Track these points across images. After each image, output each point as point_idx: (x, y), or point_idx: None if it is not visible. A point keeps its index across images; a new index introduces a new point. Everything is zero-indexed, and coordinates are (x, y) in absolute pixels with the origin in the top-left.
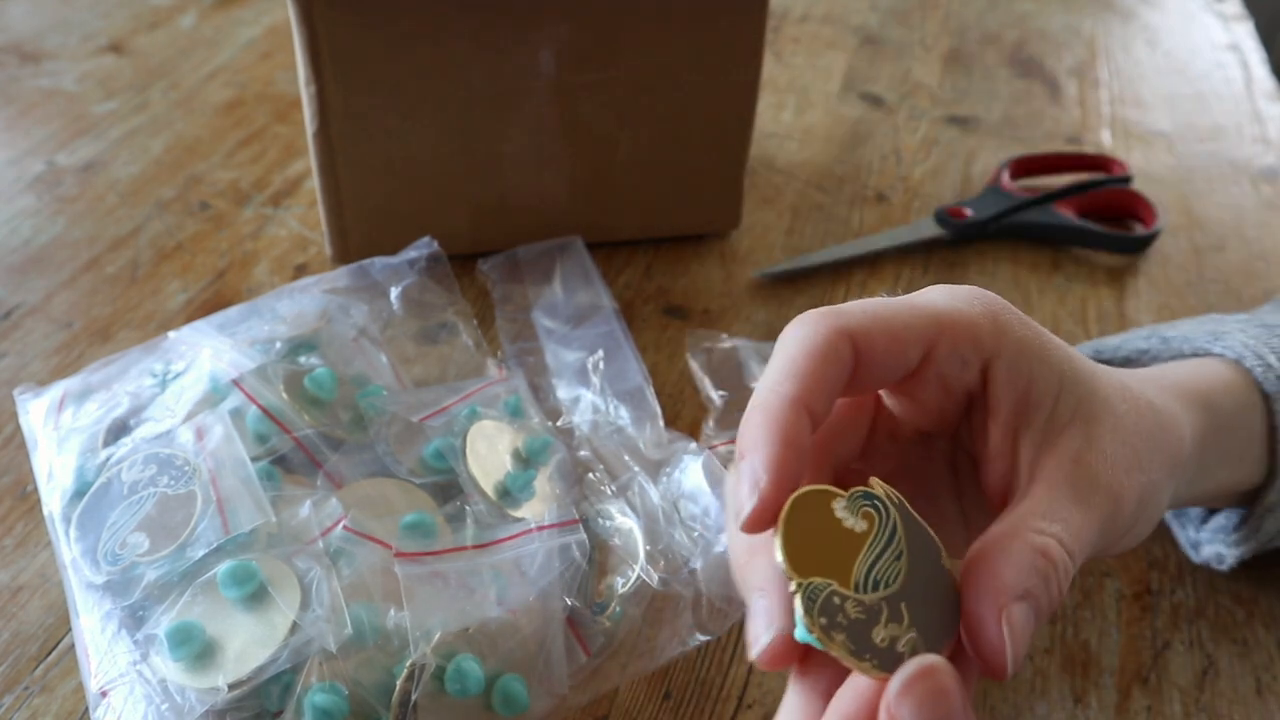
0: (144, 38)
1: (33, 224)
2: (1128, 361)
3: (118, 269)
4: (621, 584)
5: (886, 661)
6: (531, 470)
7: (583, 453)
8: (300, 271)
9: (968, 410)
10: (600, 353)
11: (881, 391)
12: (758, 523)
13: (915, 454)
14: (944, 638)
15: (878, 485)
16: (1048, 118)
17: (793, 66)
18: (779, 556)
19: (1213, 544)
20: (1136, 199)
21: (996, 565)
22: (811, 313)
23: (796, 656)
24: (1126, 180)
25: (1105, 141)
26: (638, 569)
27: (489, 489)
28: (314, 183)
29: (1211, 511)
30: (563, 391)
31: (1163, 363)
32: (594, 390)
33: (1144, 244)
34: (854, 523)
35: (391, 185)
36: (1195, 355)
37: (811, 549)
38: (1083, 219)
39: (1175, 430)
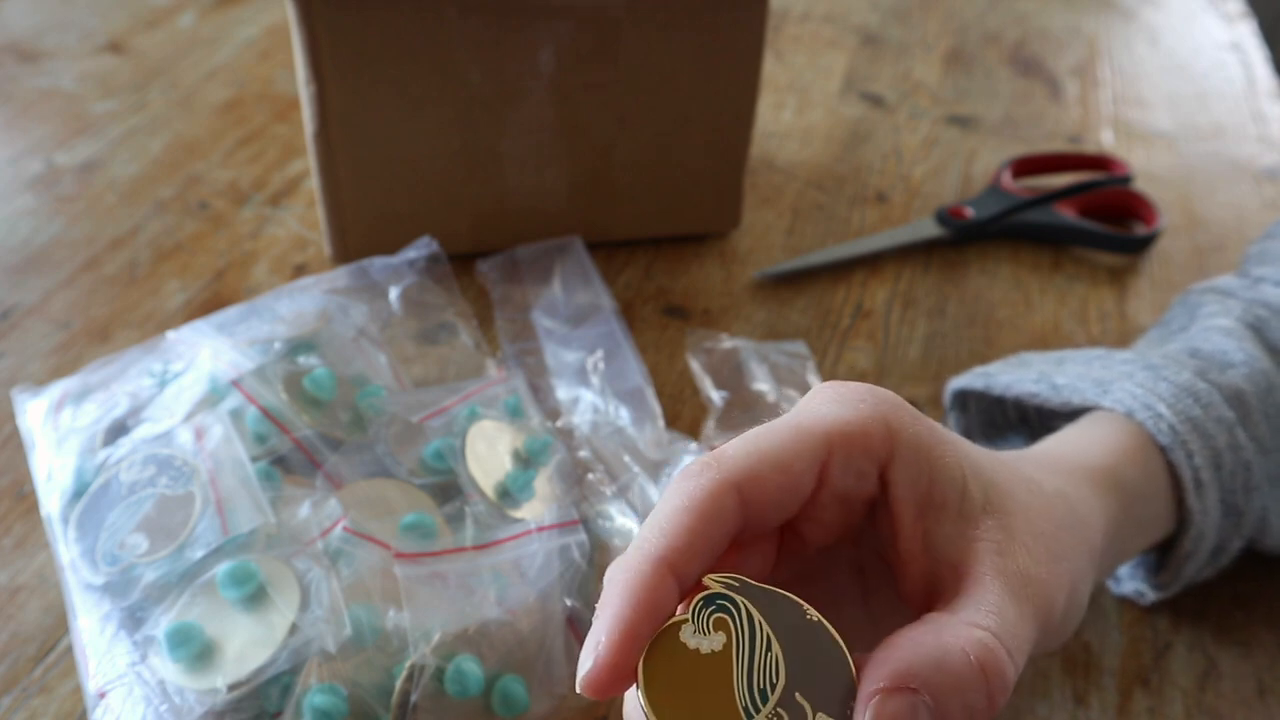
0: (143, 37)
1: (31, 224)
2: (1018, 404)
3: (116, 269)
4: None
5: None
6: (531, 470)
7: (583, 453)
8: (299, 271)
9: (870, 514)
10: (600, 353)
11: None
12: (594, 686)
13: (817, 561)
14: (849, 695)
15: (712, 582)
16: (1049, 117)
17: (793, 66)
18: (644, 710)
19: (1133, 580)
20: (1137, 199)
21: (894, 648)
22: (696, 464)
23: None
24: (1127, 180)
25: (1106, 141)
26: None
27: (489, 489)
28: (313, 182)
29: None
30: (562, 392)
31: (1053, 410)
32: (594, 390)
33: (1145, 244)
34: (710, 641)
35: (391, 185)
36: (1085, 407)
37: (683, 696)
38: (1084, 219)
39: (1089, 519)
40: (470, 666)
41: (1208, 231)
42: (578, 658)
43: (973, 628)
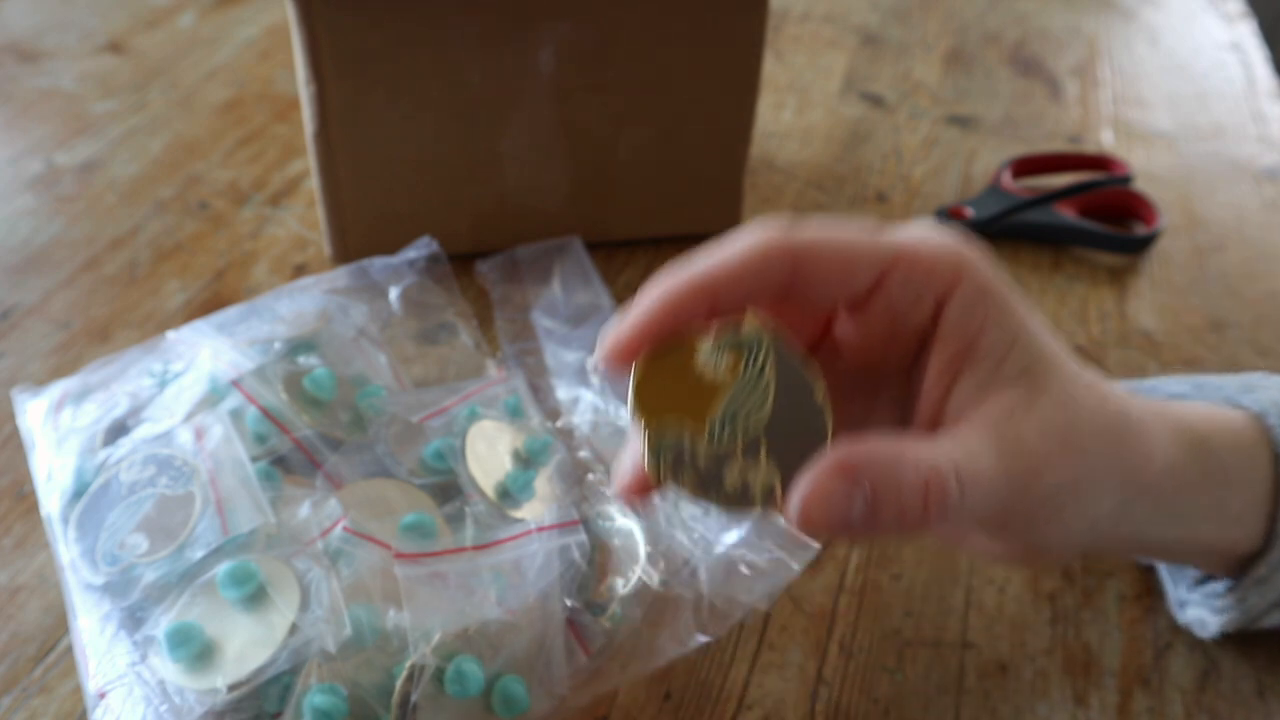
0: (143, 37)
1: (31, 224)
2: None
3: (116, 269)
4: (622, 585)
5: (735, 500)
6: (531, 471)
7: (583, 453)
8: (299, 271)
9: (918, 355)
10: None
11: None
12: (607, 354)
13: (861, 394)
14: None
15: (750, 322)
16: (1049, 117)
17: (793, 66)
18: (630, 397)
19: (1198, 607)
20: (1137, 199)
21: (862, 441)
22: (768, 222)
23: (651, 489)
24: (1127, 180)
25: (1106, 141)
26: (638, 570)
27: (489, 489)
28: (313, 182)
29: (1210, 577)
30: (562, 392)
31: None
32: (594, 390)
33: (1145, 244)
34: (717, 366)
35: (391, 185)
36: (1224, 403)
37: (668, 393)
38: (1084, 219)
39: (1139, 445)
40: (470, 666)
41: (1208, 231)
42: (578, 658)
43: (937, 453)
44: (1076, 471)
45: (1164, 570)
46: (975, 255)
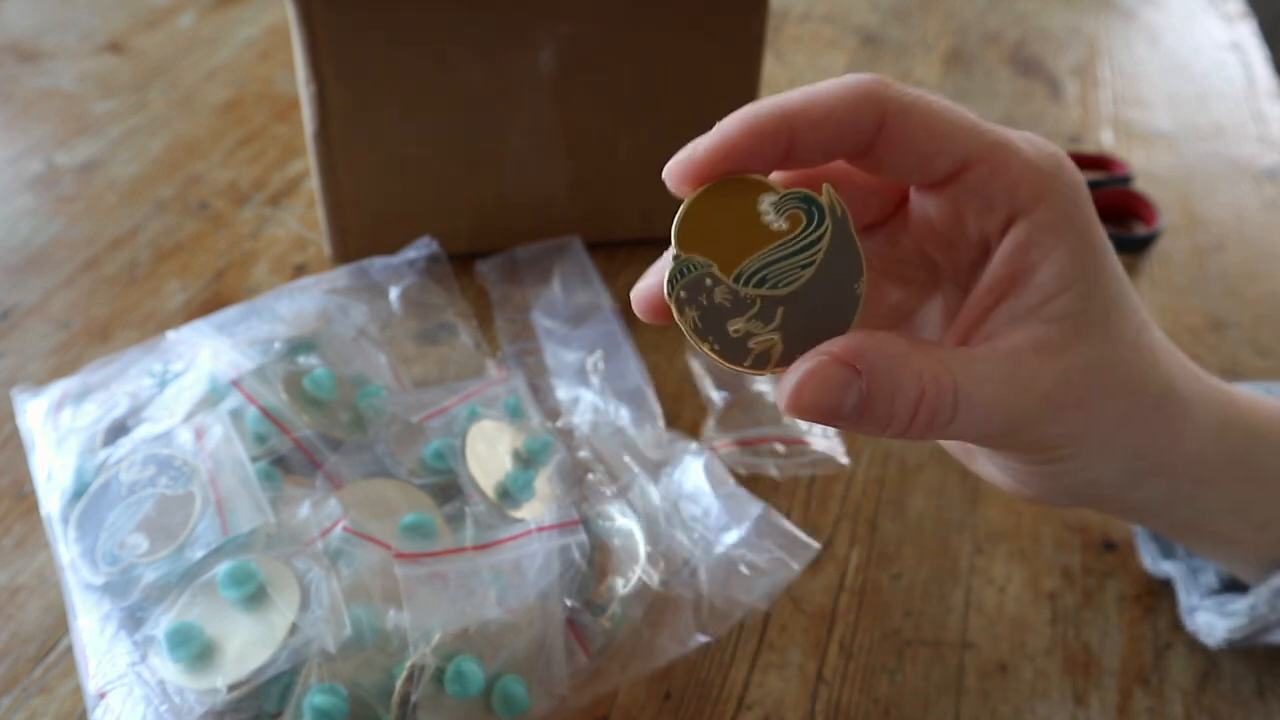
0: (143, 37)
1: (31, 224)
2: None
3: (116, 269)
4: (622, 585)
5: (729, 350)
6: (531, 471)
7: (583, 453)
8: (299, 271)
9: (977, 262)
10: (600, 353)
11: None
12: (675, 173)
13: (917, 281)
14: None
15: (827, 192)
16: (1049, 117)
17: (793, 66)
18: (676, 219)
19: (1209, 612)
20: (1137, 199)
21: (873, 336)
22: (870, 77)
23: (664, 315)
24: (1127, 180)
25: (1106, 141)
26: (638, 570)
27: (489, 489)
28: (313, 182)
29: (1227, 590)
30: (562, 392)
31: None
32: (594, 390)
33: (1145, 244)
34: (775, 220)
35: (391, 185)
36: None
37: (714, 230)
38: None
39: (1169, 424)
40: (470, 666)
41: (1208, 231)
42: (578, 658)
43: (942, 365)
44: (1082, 429)
45: (1178, 577)
46: (1069, 180)
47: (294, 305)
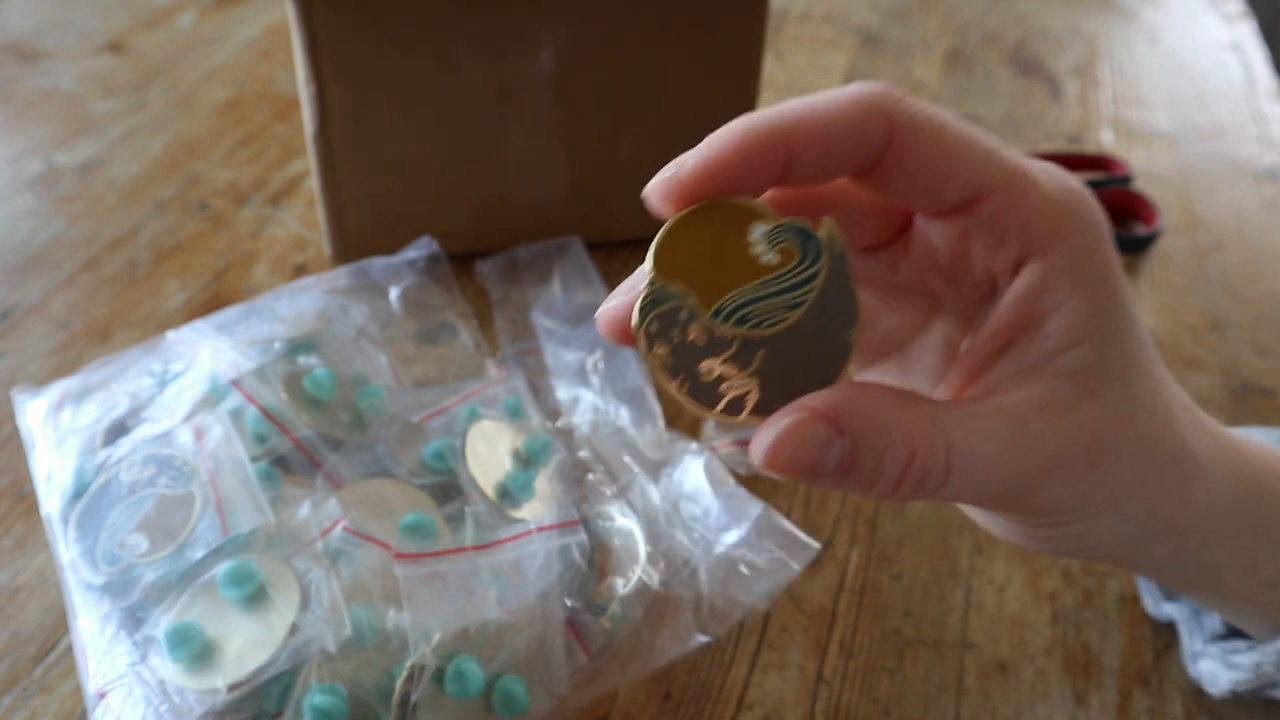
0: (143, 37)
1: (31, 223)
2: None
3: (116, 269)
4: (622, 585)
5: (699, 392)
6: (531, 471)
7: (583, 453)
8: (299, 271)
9: (983, 300)
10: (600, 353)
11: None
12: (659, 192)
13: (915, 310)
14: (784, 403)
15: (827, 226)
16: (1049, 117)
17: (793, 66)
18: (655, 241)
19: (1213, 660)
20: (1137, 199)
21: (861, 390)
22: (876, 84)
23: (632, 340)
24: (1127, 180)
25: (1106, 141)
26: (638, 570)
27: (489, 489)
28: (313, 182)
29: (1233, 634)
30: (562, 391)
31: None
32: (594, 390)
33: (1145, 244)
34: (765, 253)
35: (391, 185)
36: None
37: (696, 257)
38: None
39: (1181, 485)
40: (470, 666)
41: (1208, 231)
42: (578, 658)
43: (935, 425)
44: (1089, 492)
45: (1180, 620)
46: (1090, 220)
47: (294, 305)
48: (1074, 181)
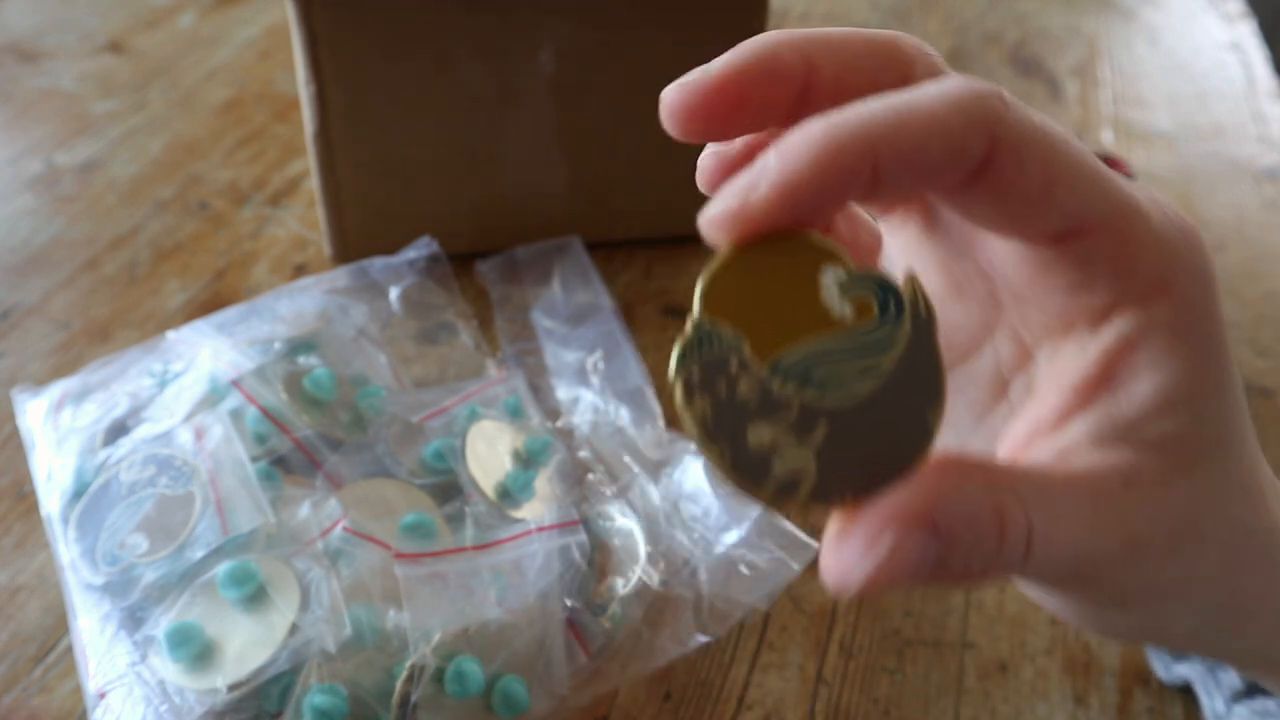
0: (143, 37)
1: (31, 224)
2: None
3: (116, 269)
4: (622, 585)
5: (744, 464)
6: (531, 471)
7: (583, 453)
8: (299, 271)
9: (1055, 342)
10: (600, 353)
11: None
12: (722, 228)
13: (964, 328)
14: (848, 492)
15: (913, 284)
16: (1049, 117)
17: None
18: (704, 276)
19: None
20: None
21: (947, 478)
22: (981, 90)
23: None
24: (1130, 180)
25: (1106, 141)
26: (638, 570)
27: (489, 489)
28: (313, 182)
29: (1255, 689)
30: (562, 392)
31: None
32: (594, 390)
33: None
34: (838, 304)
35: (391, 185)
36: None
37: (755, 298)
38: None
39: (1272, 571)
40: (470, 666)
41: (1208, 231)
42: (578, 658)
43: (1018, 501)
44: (1166, 579)
45: (1196, 680)
46: (1199, 267)
47: (294, 305)
48: (1184, 217)
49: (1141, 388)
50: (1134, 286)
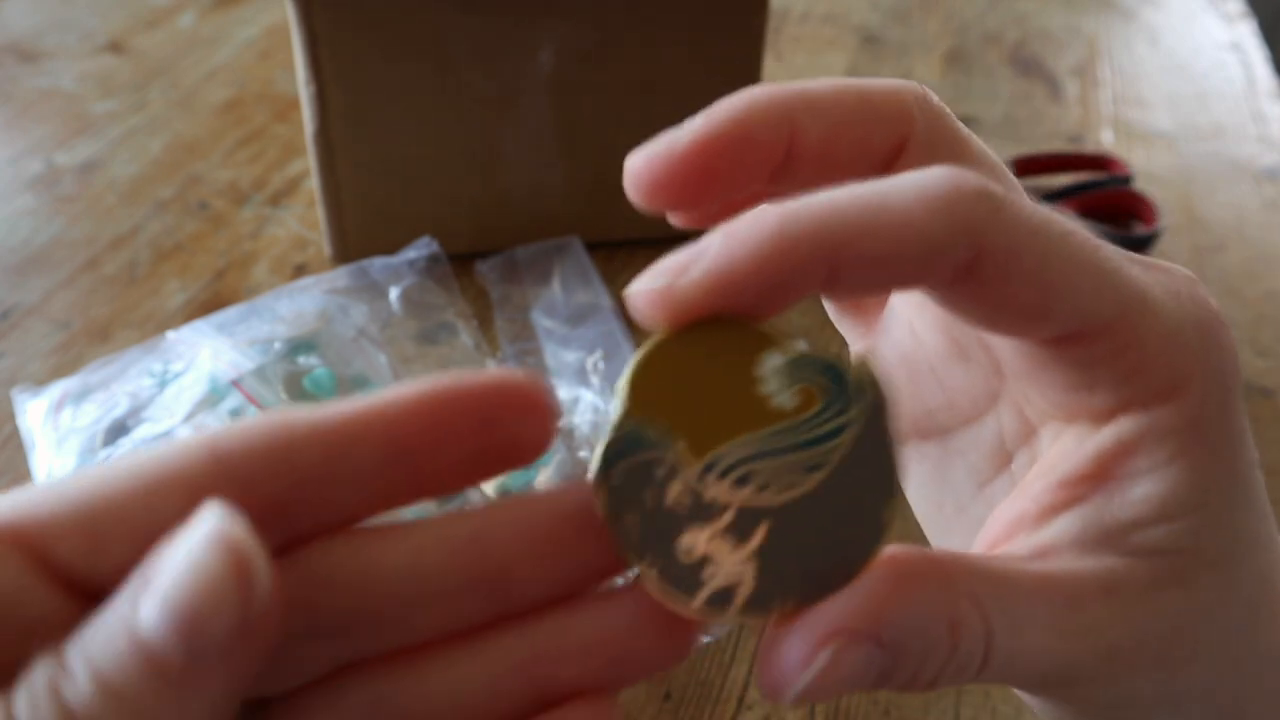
0: (143, 37)
1: (31, 224)
2: None
3: (116, 269)
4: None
5: (674, 577)
6: (532, 471)
7: (583, 453)
8: (299, 271)
9: (1053, 413)
10: (600, 353)
11: None
12: (652, 307)
13: (965, 394)
14: (790, 599)
15: (863, 367)
16: (1048, 117)
17: (793, 66)
18: (632, 363)
19: None
20: (1137, 199)
21: (898, 586)
22: (967, 186)
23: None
24: (1127, 180)
25: (1106, 141)
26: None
27: (489, 489)
28: (313, 182)
29: None
30: (563, 392)
31: None
32: (594, 390)
33: (1145, 244)
34: (779, 393)
35: (391, 185)
36: None
37: (687, 392)
38: (1084, 219)
39: (1260, 700)
40: None
41: (1208, 232)
42: None
43: (975, 605)
44: (1151, 695)
45: None
46: (1217, 364)
47: (294, 305)
48: (1209, 308)
49: (1137, 493)
50: (1140, 390)
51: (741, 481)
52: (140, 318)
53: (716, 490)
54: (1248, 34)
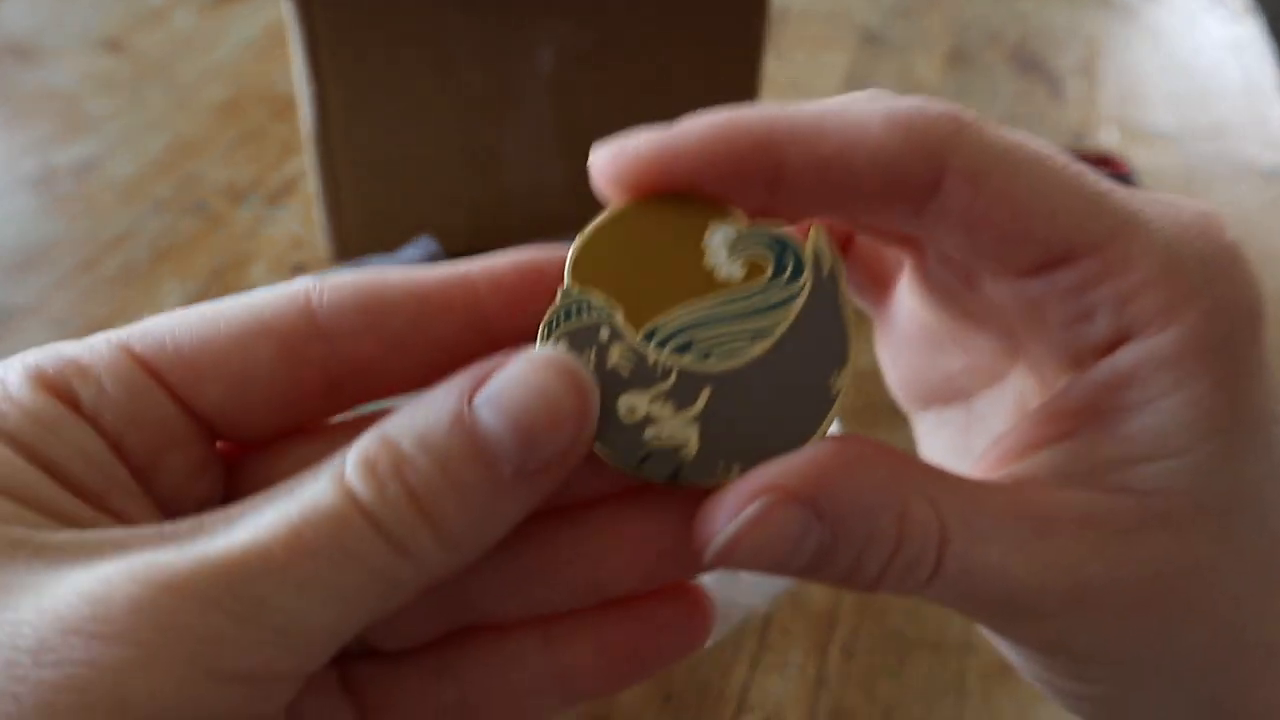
0: (141, 36)
1: (29, 223)
2: None
3: (114, 269)
4: None
5: (616, 439)
6: None
7: None
8: (298, 271)
9: (1066, 366)
10: None
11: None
12: (605, 174)
13: (985, 359)
14: (734, 464)
15: (815, 238)
16: (1050, 117)
17: (794, 65)
18: (578, 239)
19: None
20: None
21: (843, 458)
22: (934, 113)
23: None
24: (1129, 180)
25: (1108, 140)
26: None
27: None
28: (311, 182)
29: None
30: None
31: None
32: None
33: None
34: (725, 264)
35: (389, 185)
36: None
37: (631, 262)
38: None
39: (1248, 668)
40: None
41: None
42: None
43: (931, 507)
44: (1133, 650)
45: None
46: (1226, 289)
47: None
48: (1220, 236)
49: (1129, 428)
50: (1137, 314)
51: (682, 349)
52: (138, 317)
53: (658, 356)
54: (1250, 33)
